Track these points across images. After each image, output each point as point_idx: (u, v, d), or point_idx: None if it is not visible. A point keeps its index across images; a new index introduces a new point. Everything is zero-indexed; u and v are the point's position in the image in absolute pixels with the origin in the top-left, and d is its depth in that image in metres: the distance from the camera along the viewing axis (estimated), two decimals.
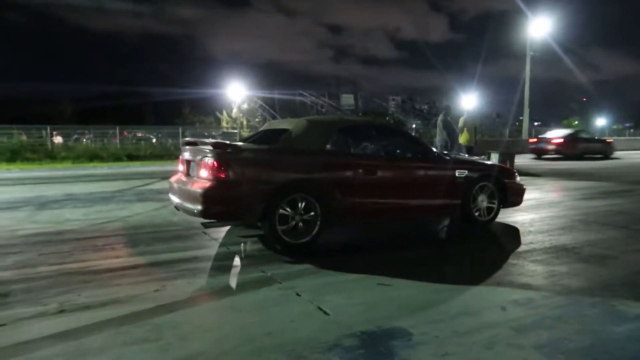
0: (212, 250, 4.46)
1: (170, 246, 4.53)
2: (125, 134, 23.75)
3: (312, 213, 4.30)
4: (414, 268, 3.87)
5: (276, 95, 32.55)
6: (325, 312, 2.87)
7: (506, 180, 5.66)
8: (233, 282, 3.47)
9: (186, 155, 4.67)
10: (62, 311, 2.88)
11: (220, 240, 4.82)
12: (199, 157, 4.24)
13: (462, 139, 10.83)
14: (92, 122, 30.84)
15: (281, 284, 3.39)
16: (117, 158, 18.55)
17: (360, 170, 4.58)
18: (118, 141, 21.39)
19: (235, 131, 26.04)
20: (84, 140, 22.79)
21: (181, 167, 4.81)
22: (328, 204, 4.36)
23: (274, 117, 25.11)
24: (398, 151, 5.41)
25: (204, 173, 4.11)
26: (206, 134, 26.79)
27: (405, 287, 3.35)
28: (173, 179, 4.83)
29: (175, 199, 4.60)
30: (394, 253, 4.40)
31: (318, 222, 4.32)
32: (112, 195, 8.22)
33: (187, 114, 41.00)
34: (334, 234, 5.10)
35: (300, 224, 4.27)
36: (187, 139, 4.96)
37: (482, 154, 12.22)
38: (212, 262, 4.05)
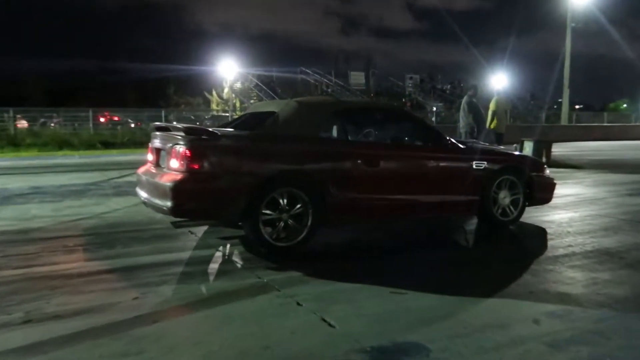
0: (200, 252, 4.48)
1: (152, 247, 4.56)
2: (104, 120, 23.79)
3: (303, 210, 4.27)
4: (432, 274, 3.89)
5: (275, 72, 32.46)
6: (330, 324, 2.89)
7: (533, 174, 5.62)
8: (225, 289, 3.49)
9: (156, 142, 4.64)
10: (28, 321, 2.91)
11: (209, 240, 4.85)
12: (169, 145, 4.20)
13: (494, 124, 10.80)
14: (65, 104, 30.95)
15: (279, 292, 3.41)
16: (90, 145, 18.62)
17: (359, 161, 4.57)
18: (91, 126, 21.45)
19: (227, 114, 26.06)
20: (52, 124, 22.88)
21: (150, 157, 4.79)
22: (322, 200, 4.34)
23: (272, 98, 25.06)
24: (406, 139, 5.39)
25: (174, 163, 4.08)
26: (193, 117, 26.83)
27: (422, 296, 3.36)
28: (141, 170, 4.81)
29: (142, 194, 4.56)
30: (408, 257, 4.41)
31: (309, 222, 4.29)
32: (85, 188, 8.26)
33: (172, 94, 41.05)
34: (334, 236, 5.11)
35: (290, 221, 4.24)
36: (157, 123, 4.91)
37: (514, 142, 12.20)
38: (200, 266, 4.07)
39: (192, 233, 5.06)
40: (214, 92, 33.05)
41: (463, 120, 10.34)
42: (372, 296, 3.35)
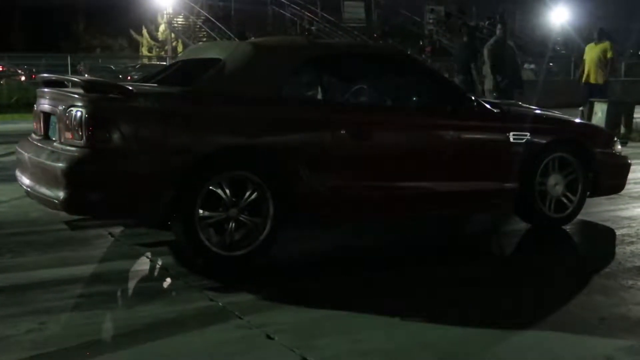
0: (124, 262, 4.50)
1: (55, 257, 4.55)
2: None
3: (258, 197, 4.26)
4: (454, 295, 3.94)
5: (235, 3, 32.21)
6: None
7: (598, 150, 5.63)
8: (162, 316, 3.50)
9: (44, 104, 4.62)
10: None
11: (138, 246, 4.86)
12: (62, 108, 4.18)
13: (598, 74, 11.77)
14: None
15: (242, 320, 3.43)
16: None
17: (343, 131, 4.57)
18: None
19: (164, 63, 25.88)
20: None
21: (36, 126, 4.79)
22: (287, 189, 4.35)
23: (229, 39, 24.91)
24: (413, 99, 5.43)
25: (70, 135, 4.06)
26: (113, 67, 26.58)
27: (442, 326, 3.39)
28: (22, 145, 4.77)
29: (24, 180, 4.53)
30: (417, 272, 4.46)
31: (269, 220, 4.30)
32: None
33: (82, 32, 40.62)
34: (309, 242, 5.17)
35: (244, 216, 4.22)
36: (45, 75, 4.88)
37: (581, 104, 12.43)
38: (124, 283, 4.09)
39: (112, 236, 5.06)
40: (144, 31, 32.79)
41: (489, 75, 10.40)
42: (371, 326, 3.38)
